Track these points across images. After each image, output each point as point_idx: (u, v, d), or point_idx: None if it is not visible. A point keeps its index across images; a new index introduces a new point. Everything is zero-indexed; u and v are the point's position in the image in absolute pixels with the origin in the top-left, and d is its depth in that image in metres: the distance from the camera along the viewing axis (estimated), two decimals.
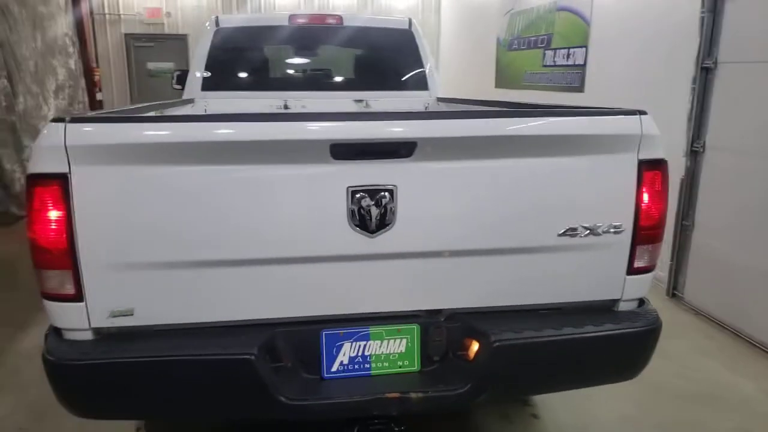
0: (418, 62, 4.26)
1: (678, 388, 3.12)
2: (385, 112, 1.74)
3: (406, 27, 4.26)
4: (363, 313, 1.83)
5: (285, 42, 4.25)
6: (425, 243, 1.78)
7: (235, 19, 4.09)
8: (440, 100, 4.20)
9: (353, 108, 4.06)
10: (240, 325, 1.75)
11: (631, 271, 1.93)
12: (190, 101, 3.91)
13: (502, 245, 1.83)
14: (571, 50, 5.91)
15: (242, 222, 1.65)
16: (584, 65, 5.67)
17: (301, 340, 1.81)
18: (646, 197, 1.88)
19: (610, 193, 1.85)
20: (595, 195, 1.84)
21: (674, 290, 4.36)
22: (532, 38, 6.84)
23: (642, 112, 1.84)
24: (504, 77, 7.78)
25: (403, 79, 4.35)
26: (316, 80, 4.34)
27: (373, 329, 1.85)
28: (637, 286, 1.97)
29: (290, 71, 4.33)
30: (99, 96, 9.63)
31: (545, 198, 1.81)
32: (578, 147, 1.81)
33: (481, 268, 1.85)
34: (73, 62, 8.37)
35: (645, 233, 1.90)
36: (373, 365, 1.86)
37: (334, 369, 1.84)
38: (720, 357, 3.50)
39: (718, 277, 3.94)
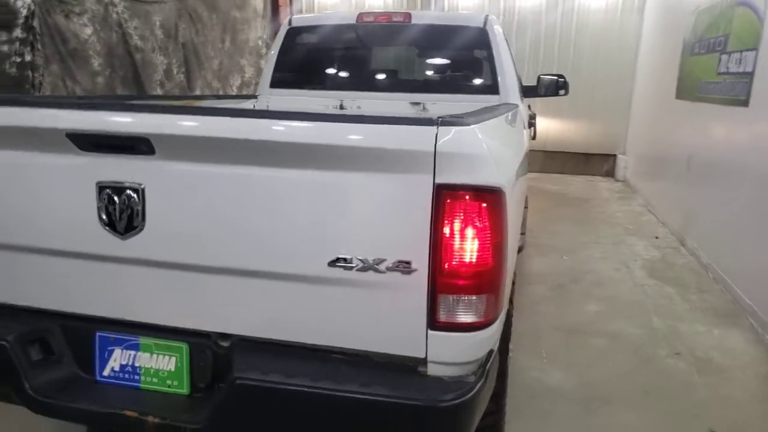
0: (491, 64, 3.80)
1: None
2: (120, 103, 1.59)
3: (481, 25, 3.83)
4: (136, 321, 1.71)
5: (351, 41, 4.16)
6: (177, 253, 1.59)
7: (307, 19, 4.14)
8: None
9: (410, 110, 3.81)
10: (9, 308, 1.77)
11: (436, 325, 1.47)
12: (253, 97, 4.08)
13: (264, 268, 1.55)
14: (743, 54, 4.69)
15: None
16: (752, 73, 4.45)
17: (77, 337, 1.77)
18: (450, 232, 1.41)
19: (394, 221, 1.44)
20: (375, 222, 1.45)
21: None
22: (712, 40, 5.60)
23: (446, 123, 1.38)
24: (683, 86, 6.52)
25: (471, 81, 3.94)
26: (379, 81, 4.17)
27: (143, 340, 1.72)
28: (451, 347, 1.51)
29: (354, 71, 4.23)
30: None
31: (311, 218, 1.49)
32: (351, 161, 1.44)
33: (248, 291, 1.59)
34: (264, 62, 9.38)
35: (449, 279, 1.44)
36: (143, 378, 1.73)
37: (105, 373, 1.76)
38: None
39: None
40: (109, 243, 1.60)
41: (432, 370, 1.53)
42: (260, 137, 1.45)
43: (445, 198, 1.41)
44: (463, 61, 3.99)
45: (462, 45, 3.91)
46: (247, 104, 4.00)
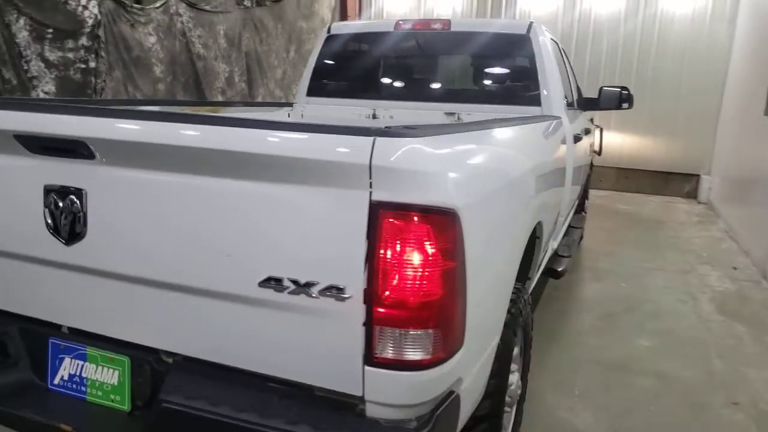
0: (533, 74, 3.54)
1: None
2: (62, 105, 1.53)
3: (524, 32, 3.58)
4: (82, 330, 1.65)
5: (389, 49, 4.02)
6: (116, 263, 1.52)
7: (346, 26, 4.04)
8: None
9: (444, 121, 3.63)
10: None
11: (374, 360, 1.30)
12: (288, 105, 4.04)
13: (197, 284, 1.44)
14: None
15: None
16: None
17: (33, 342, 1.74)
18: (390, 257, 1.24)
19: (328, 241, 1.29)
20: (307, 240, 1.31)
21: None
22: None
23: (386, 134, 1.21)
24: None
25: (512, 92, 3.70)
26: (415, 90, 4.00)
27: (90, 350, 1.66)
28: (392, 387, 1.33)
29: (391, 79, 4.09)
30: None
31: (241, 232, 1.37)
32: (282, 171, 1.31)
33: (184, 308, 1.49)
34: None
35: (388, 309, 1.26)
36: (89, 390, 1.67)
37: (56, 381, 1.72)
38: None
39: None
40: (55, 248, 1.55)
41: (371, 410, 1.35)
42: (181, 143, 1.35)
43: (384, 217, 1.23)
44: (505, 70, 3.76)
45: (503, 53, 3.69)
46: (281, 113, 3.96)
